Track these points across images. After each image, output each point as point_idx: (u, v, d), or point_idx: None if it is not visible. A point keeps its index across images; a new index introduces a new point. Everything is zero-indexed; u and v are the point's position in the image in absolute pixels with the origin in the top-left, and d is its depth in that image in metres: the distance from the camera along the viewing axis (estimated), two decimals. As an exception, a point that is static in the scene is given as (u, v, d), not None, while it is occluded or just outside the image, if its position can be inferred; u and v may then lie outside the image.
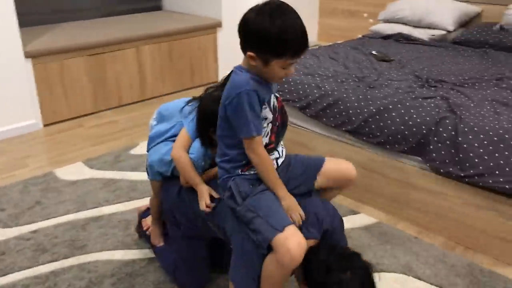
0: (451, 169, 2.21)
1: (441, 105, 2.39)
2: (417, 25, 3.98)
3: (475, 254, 2.22)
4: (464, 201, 2.23)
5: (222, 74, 4.87)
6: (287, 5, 1.40)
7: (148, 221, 2.16)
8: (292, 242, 1.37)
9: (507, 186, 2.04)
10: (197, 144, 1.77)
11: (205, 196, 1.67)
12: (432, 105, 2.39)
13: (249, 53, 1.38)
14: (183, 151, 1.75)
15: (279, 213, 1.45)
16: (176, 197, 1.80)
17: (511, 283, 2.03)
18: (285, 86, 2.86)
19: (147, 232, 2.15)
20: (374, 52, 3.45)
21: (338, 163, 1.70)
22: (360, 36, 4.27)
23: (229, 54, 4.86)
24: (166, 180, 1.91)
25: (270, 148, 1.54)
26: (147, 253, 2.22)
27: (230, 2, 4.64)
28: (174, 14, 5.01)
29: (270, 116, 1.49)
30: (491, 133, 2.12)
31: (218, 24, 4.64)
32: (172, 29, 4.29)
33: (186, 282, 1.95)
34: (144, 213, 2.23)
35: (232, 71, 1.77)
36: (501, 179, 2.06)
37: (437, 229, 2.36)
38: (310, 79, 2.84)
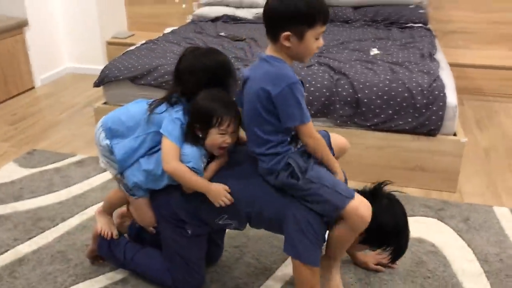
0: (356, 120, 2.61)
1: (327, 70, 2.75)
2: (239, 5, 4.29)
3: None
4: (367, 146, 2.67)
5: (38, 78, 4.34)
6: None
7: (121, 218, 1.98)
8: (363, 208, 1.52)
9: (407, 127, 2.55)
10: (187, 150, 1.66)
11: (223, 193, 1.63)
12: (321, 70, 2.74)
13: (285, 33, 1.45)
14: (177, 162, 1.64)
15: (342, 182, 1.56)
16: (181, 199, 1.69)
17: (422, 200, 2.56)
18: (173, 75, 2.81)
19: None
20: (222, 34, 3.63)
21: (337, 137, 1.87)
22: (189, 20, 4.36)
23: (42, 55, 4.36)
24: (154, 191, 1.77)
25: None
26: (112, 276, 2.00)
27: (34, -3, 4.14)
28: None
29: None
30: (380, 85, 2.58)
31: (24, 23, 4.09)
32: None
33: (185, 283, 1.86)
34: (100, 238, 1.98)
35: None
36: (400, 122, 2.55)
37: (349, 175, 2.75)
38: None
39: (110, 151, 1.77)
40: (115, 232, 1.97)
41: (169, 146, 1.64)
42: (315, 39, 1.50)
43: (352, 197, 1.53)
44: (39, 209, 2.47)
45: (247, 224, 1.76)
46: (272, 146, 1.54)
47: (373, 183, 1.76)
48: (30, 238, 2.24)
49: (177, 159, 1.64)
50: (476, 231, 2.30)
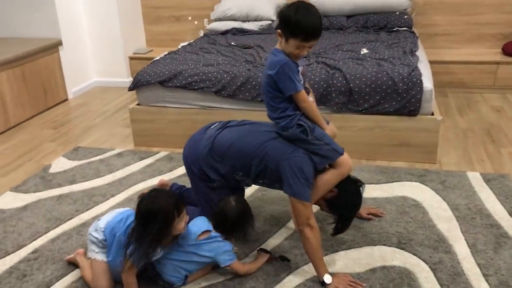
0: (350, 106, 3.14)
1: (324, 67, 3.29)
2: (246, 19, 4.86)
3: (375, 161, 3.22)
4: (359, 128, 3.19)
5: (71, 91, 4.92)
6: (312, 5, 1.95)
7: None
8: (349, 160, 2.09)
9: (391, 110, 3.08)
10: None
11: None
12: (318, 67, 3.28)
13: (278, 30, 1.97)
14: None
15: (334, 141, 2.11)
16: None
17: (407, 169, 3.07)
18: (195, 77, 3.37)
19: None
20: (233, 43, 4.19)
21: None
22: (201, 35, 4.93)
23: (73, 70, 4.95)
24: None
25: None
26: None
27: (67, 21, 4.75)
28: (12, 39, 4.76)
29: (301, 78, 2.09)
30: (368, 76, 3.12)
31: (59, 43, 4.69)
32: (22, 53, 4.21)
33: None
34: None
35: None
36: (386, 106, 3.09)
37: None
38: (212, 68, 3.42)
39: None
40: None
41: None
42: (296, 48, 1.93)
43: (342, 152, 2.08)
44: (92, 189, 3.01)
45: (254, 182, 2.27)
46: (283, 111, 2.06)
47: None
48: (88, 209, 2.77)
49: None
50: (451, 190, 2.80)
